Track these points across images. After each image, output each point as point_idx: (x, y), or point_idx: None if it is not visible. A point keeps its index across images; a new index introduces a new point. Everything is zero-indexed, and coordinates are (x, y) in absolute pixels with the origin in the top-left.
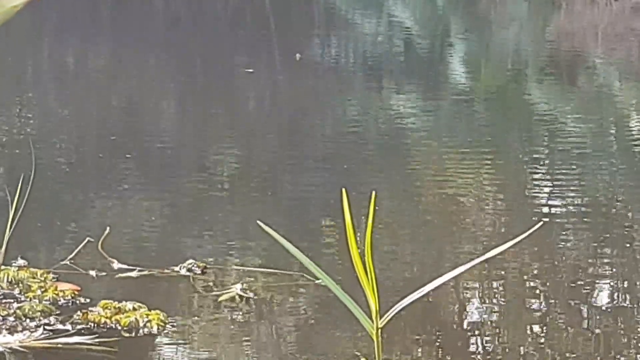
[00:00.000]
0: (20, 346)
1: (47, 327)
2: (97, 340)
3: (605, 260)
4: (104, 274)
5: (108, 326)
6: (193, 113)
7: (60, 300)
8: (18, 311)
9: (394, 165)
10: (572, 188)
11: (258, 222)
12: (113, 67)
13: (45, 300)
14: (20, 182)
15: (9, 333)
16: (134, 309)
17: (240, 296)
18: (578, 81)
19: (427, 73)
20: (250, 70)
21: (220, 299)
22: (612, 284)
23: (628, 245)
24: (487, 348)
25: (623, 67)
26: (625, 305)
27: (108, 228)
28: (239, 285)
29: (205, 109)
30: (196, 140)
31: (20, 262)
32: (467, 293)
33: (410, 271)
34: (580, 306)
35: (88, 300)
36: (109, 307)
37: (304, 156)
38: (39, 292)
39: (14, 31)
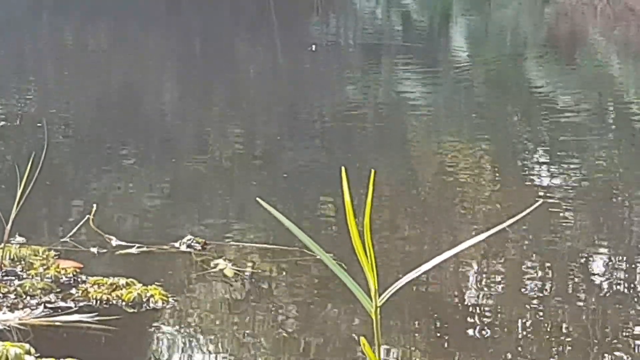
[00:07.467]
0: (20, 324)
1: (48, 305)
2: (97, 318)
3: (604, 240)
4: (104, 251)
5: (110, 303)
6: (193, 92)
7: (62, 278)
8: (19, 289)
9: (393, 143)
10: (570, 166)
11: (257, 199)
12: (114, 47)
13: (47, 278)
14: (31, 160)
15: (9, 310)
16: (128, 285)
17: (240, 272)
18: (576, 60)
19: (426, 52)
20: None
21: (222, 274)
22: (610, 262)
23: (627, 224)
24: (485, 327)
25: (621, 46)
26: (624, 284)
27: (95, 205)
28: (233, 262)
29: (206, 88)
30: (197, 118)
31: (19, 239)
32: (466, 272)
33: (409, 250)
34: (579, 286)
35: (90, 277)
36: (102, 284)
37: (304, 134)
38: (41, 269)
39: (15, 6)
